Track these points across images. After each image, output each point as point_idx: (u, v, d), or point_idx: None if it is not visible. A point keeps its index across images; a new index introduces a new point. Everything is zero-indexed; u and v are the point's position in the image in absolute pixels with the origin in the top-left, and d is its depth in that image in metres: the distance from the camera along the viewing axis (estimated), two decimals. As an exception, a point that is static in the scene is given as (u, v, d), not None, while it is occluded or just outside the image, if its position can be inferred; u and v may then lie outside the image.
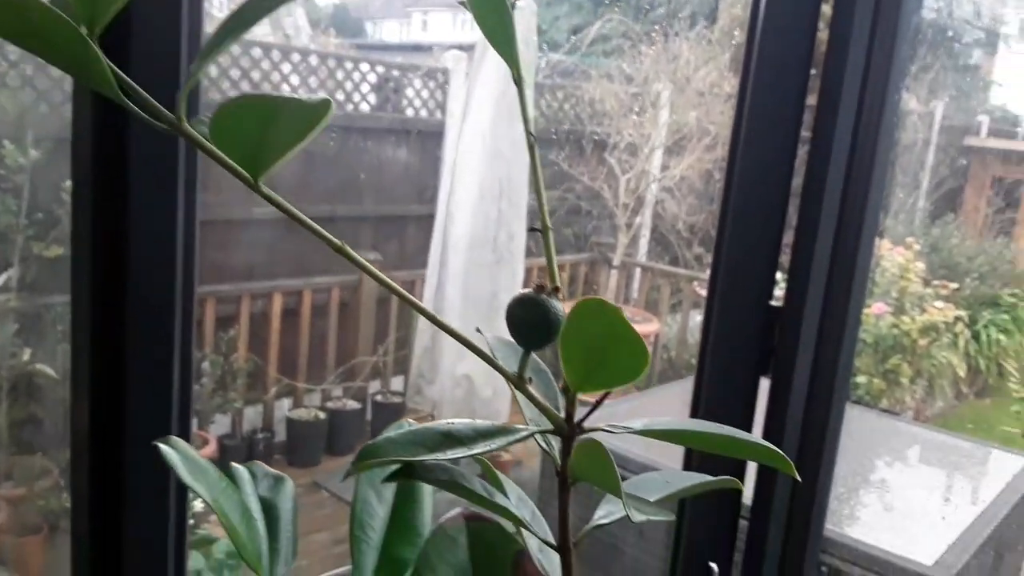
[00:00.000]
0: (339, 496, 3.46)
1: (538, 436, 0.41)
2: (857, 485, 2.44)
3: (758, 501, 1.15)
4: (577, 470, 0.39)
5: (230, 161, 0.34)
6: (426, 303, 3.65)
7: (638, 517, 0.34)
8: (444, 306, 3.42)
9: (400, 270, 4.22)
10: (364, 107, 4.41)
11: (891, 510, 2.48)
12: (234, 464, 0.69)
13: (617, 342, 0.34)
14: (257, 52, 3.89)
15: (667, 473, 0.43)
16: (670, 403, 2.71)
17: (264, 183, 0.36)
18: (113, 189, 0.75)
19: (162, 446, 0.58)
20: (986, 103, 6.93)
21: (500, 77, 3.31)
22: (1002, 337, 5.15)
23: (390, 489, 0.64)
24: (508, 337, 0.46)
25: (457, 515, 0.39)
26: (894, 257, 4.75)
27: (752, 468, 1.16)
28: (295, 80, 4.14)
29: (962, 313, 4.99)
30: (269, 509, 0.69)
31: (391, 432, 0.42)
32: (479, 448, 0.38)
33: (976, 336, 5.10)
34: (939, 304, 4.81)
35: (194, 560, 2.27)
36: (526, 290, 0.39)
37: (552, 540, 0.42)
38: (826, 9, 1.01)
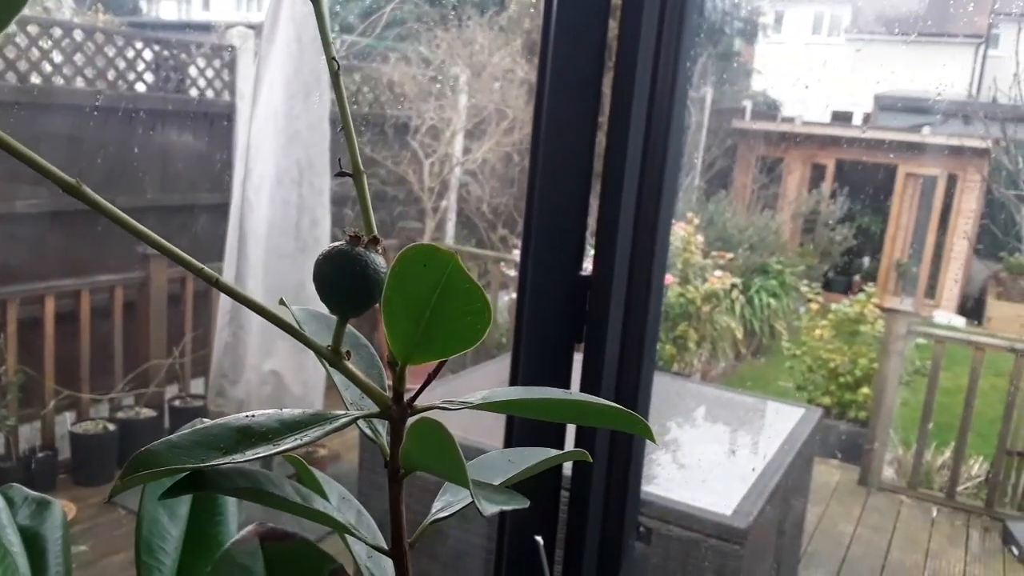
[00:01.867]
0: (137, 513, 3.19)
1: (361, 422, 0.34)
2: (653, 445, 2.55)
3: (578, 471, 1.16)
4: (412, 458, 0.33)
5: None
6: (226, 298, 3.41)
7: (489, 509, 0.29)
8: (245, 299, 3.21)
9: (193, 264, 3.92)
10: (140, 87, 4.04)
11: (689, 466, 2.63)
12: (-19, 491, 0.57)
13: (453, 297, 0.28)
14: (11, 27, 3.44)
15: (509, 452, 0.38)
16: (486, 384, 2.71)
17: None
18: None
19: None
20: (749, 89, 7.56)
21: (293, 55, 3.13)
22: (772, 301, 5.65)
23: (184, 503, 0.55)
24: (320, 309, 0.39)
25: (249, 535, 0.31)
26: (677, 231, 5.07)
27: (570, 437, 1.16)
28: (58, 57, 3.72)
29: (737, 280, 5.42)
30: (33, 540, 0.57)
31: (176, 434, 0.34)
32: (288, 443, 0.31)
33: (750, 301, 5.55)
34: (718, 273, 5.21)
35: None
36: (337, 243, 0.32)
37: (383, 543, 0.36)
38: (616, 2, 1.04)
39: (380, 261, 0.32)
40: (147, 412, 3.71)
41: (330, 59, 0.34)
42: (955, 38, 6.18)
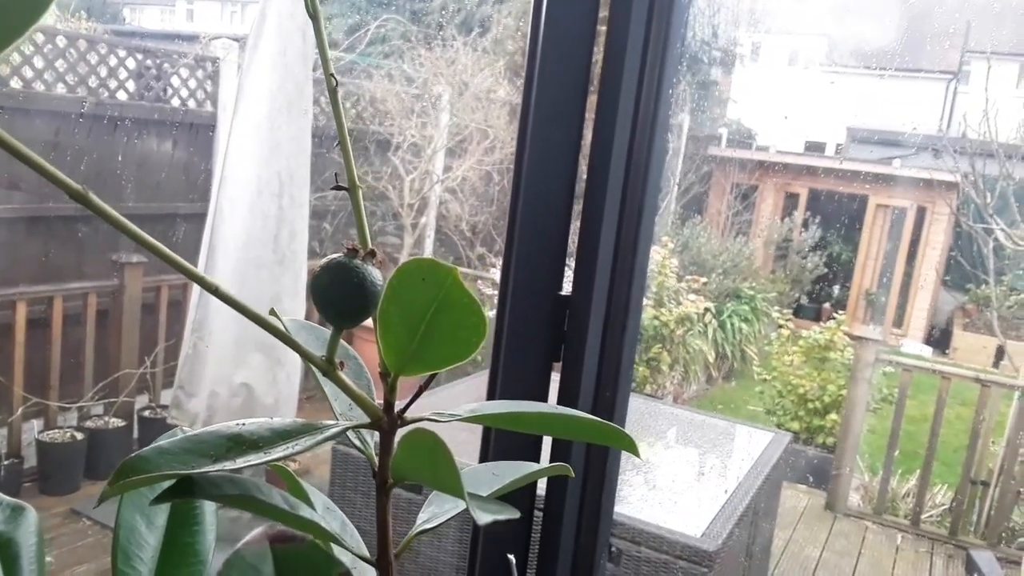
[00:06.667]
0: (103, 524, 3.15)
1: (351, 432, 0.34)
2: (625, 466, 2.56)
3: (552, 490, 1.17)
4: (403, 468, 0.33)
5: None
6: (195, 308, 3.37)
7: (484, 519, 0.29)
8: (219, 309, 3.17)
9: (169, 273, 3.89)
10: (121, 95, 4.02)
11: (660, 488, 2.63)
12: (-43, 496, 0.56)
13: (450, 311, 0.29)
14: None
15: (492, 465, 0.38)
16: (462, 401, 2.70)
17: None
18: None
19: None
20: (724, 117, 7.67)
21: (277, 68, 3.13)
22: (744, 326, 5.70)
23: (162, 511, 0.54)
24: (304, 320, 0.39)
25: (259, 537, 0.31)
26: (652, 254, 5.10)
27: (544, 455, 1.17)
28: (39, 63, 3.69)
29: (710, 305, 5.46)
30: (6, 546, 0.57)
31: (162, 440, 0.34)
32: (279, 452, 0.31)
33: (722, 325, 5.60)
34: (692, 297, 5.25)
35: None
36: (335, 255, 0.33)
37: (367, 553, 0.36)
38: (602, 29, 1.06)
39: (377, 274, 0.33)
40: (116, 422, 3.66)
41: (328, 75, 0.35)
42: (927, 74, 6.33)
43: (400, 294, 0.30)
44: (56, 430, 3.50)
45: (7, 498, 0.59)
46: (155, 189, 4.10)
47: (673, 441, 3.10)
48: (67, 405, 3.59)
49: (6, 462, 3.33)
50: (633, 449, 0.33)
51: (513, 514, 0.31)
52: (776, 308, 5.90)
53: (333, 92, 0.35)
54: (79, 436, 3.49)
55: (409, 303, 0.30)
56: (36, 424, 3.51)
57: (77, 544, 3.05)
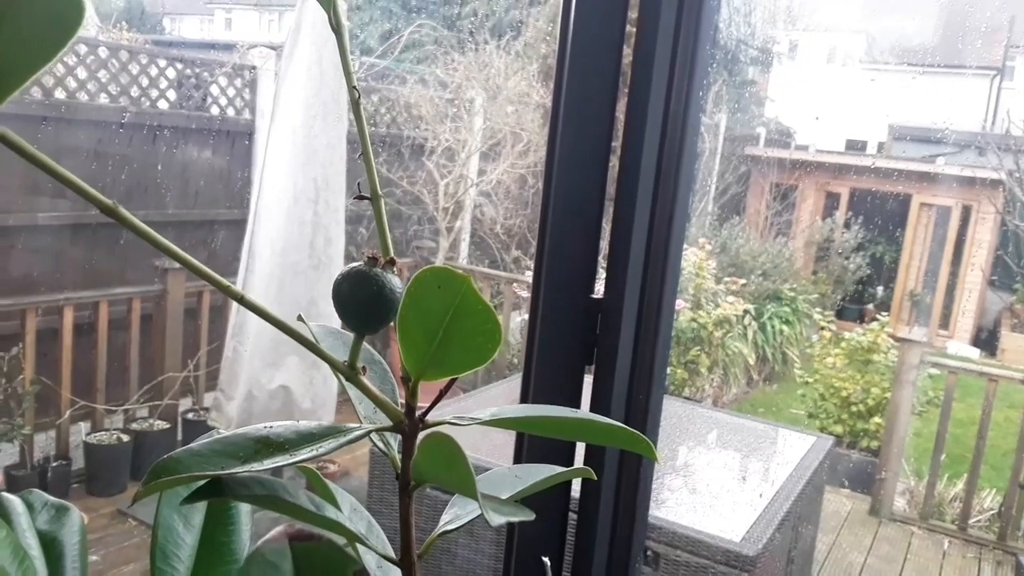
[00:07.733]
0: (149, 524, 3.21)
1: (374, 435, 0.35)
2: (664, 469, 2.54)
3: (586, 492, 1.16)
4: (422, 470, 0.34)
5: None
6: (235, 312, 3.43)
7: (497, 520, 0.30)
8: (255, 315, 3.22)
9: (209, 279, 3.96)
10: (163, 104, 4.11)
11: (699, 491, 2.61)
12: (5, 494, 0.59)
13: (465, 317, 0.29)
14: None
15: (516, 468, 0.39)
16: (497, 403, 2.71)
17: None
18: None
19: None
20: (762, 116, 7.57)
21: (312, 76, 3.17)
22: (784, 328, 5.62)
23: (199, 512, 0.56)
24: (334, 326, 0.40)
25: (279, 535, 0.32)
26: (689, 257, 5.07)
27: (579, 458, 1.17)
28: (82, 74, 3.79)
29: (749, 307, 5.40)
30: (50, 544, 0.59)
31: (197, 443, 0.35)
32: (304, 454, 0.32)
33: (762, 327, 5.53)
34: (730, 299, 5.19)
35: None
36: (356, 263, 0.34)
37: (392, 554, 0.37)
38: (632, 30, 1.06)
39: (396, 281, 0.33)
40: (161, 424, 3.74)
41: (351, 88, 0.36)
42: (969, 70, 6.20)
43: (418, 301, 0.30)
44: (103, 432, 3.59)
45: (51, 498, 0.61)
46: (195, 197, 4.19)
47: (712, 444, 3.08)
48: (113, 408, 3.68)
49: (55, 464, 3.42)
50: (650, 452, 0.33)
51: (527, 516, 0.32)
52: (818, 310, 5.82)
53: (356, 104, 0.36)
54: (125, 438, 3.58)
55: (426, 310, 0.30)
56: (83, 426, 3.60)
57: (124, 544, 3.12)
